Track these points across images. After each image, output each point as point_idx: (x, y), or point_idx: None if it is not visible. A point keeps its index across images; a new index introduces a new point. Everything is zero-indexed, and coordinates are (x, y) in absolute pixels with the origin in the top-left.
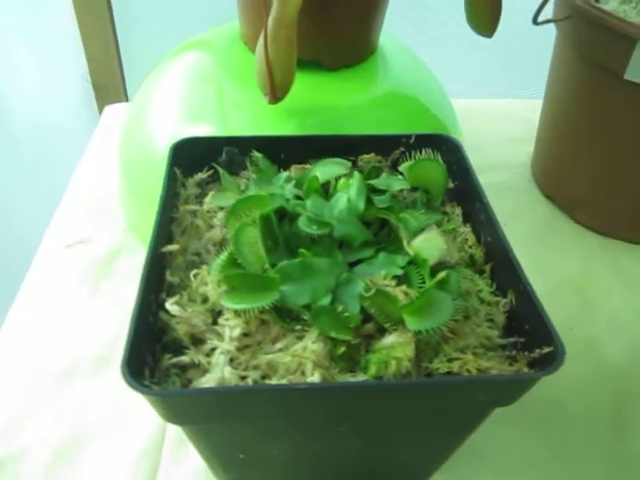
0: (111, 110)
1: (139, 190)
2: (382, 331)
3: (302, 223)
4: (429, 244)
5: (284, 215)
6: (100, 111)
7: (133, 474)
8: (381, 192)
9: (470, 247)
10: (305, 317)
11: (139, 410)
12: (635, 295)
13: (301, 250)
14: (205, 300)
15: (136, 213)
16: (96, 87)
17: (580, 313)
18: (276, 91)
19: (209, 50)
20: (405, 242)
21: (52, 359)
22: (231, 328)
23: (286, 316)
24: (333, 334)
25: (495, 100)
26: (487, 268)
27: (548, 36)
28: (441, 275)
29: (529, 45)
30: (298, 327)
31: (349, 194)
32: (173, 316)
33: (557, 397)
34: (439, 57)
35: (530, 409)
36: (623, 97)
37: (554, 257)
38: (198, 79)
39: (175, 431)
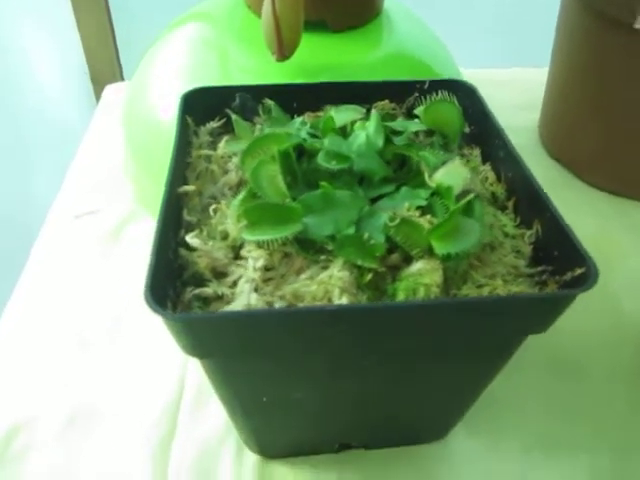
0: (111, 89)
1: (145, 161)
2: (408, 261)
3: (321, 158)
4: (452, 175)
5: (302, 153)
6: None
7: (150, 438)
8: (398, 133)
9: (491, 185)
10: (329, 248)
11: (154, 375)
12: None
13: (322, 183)
14: (225, 237)
15: (143, 184)
16: (94, 80)
17: (599, 265)
18: (284, 49)
19: (209, 19)
20: (427, 175)
21: (64, 326)
22: (254, 259)
23: (309, 248)
24: (359, 262)
25: (501, 69)
26: (510, 204)
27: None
28: (467, 198)
29: (536, 16)
30: (322, 258)
31: (367, 131)
32: (194, 250)
33: (577, 352)
34: (445, 27)
35: (550, 362)
36: (633, 47)
37: (567, 217)
38: (200, 46)
39: (192, 395)
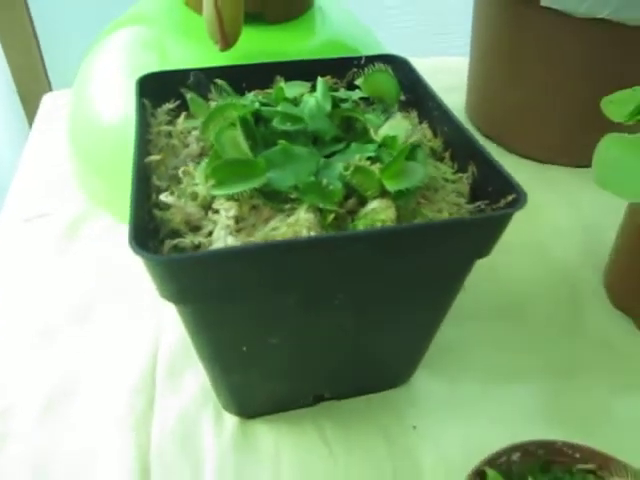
0: (50, 98)
1: (94, 162)
2: (364, 203)
3: (277, 122)
4: (395, 129)
5: (258, 119)
6: (29, 122)
7: (129, 411)
8: (343, 101)
9: (429, 140)
10: (293, 197)
11: (125, 355)
12: (573, 208)
13: (280, 141)
14: (195, 198)
15: (94, 184)
16: (23, 98)
17: (525, 224)
18: (227, 37)
19: (145, 20)
20: (372, 132)
21: (28, 320)
22: (226, 209)
23: (275, 199)
24: (321, 205)
25: (429, 58)
26: (447, 155)
27: None
28: (411, 141)
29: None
30: (287, 207)
31: (316, 97)
32: (167, 209)
33: (519, 297)
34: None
35: (497, 309)
36: (541, 24)
37: None
38: (139, 47)
39: (165, 368)
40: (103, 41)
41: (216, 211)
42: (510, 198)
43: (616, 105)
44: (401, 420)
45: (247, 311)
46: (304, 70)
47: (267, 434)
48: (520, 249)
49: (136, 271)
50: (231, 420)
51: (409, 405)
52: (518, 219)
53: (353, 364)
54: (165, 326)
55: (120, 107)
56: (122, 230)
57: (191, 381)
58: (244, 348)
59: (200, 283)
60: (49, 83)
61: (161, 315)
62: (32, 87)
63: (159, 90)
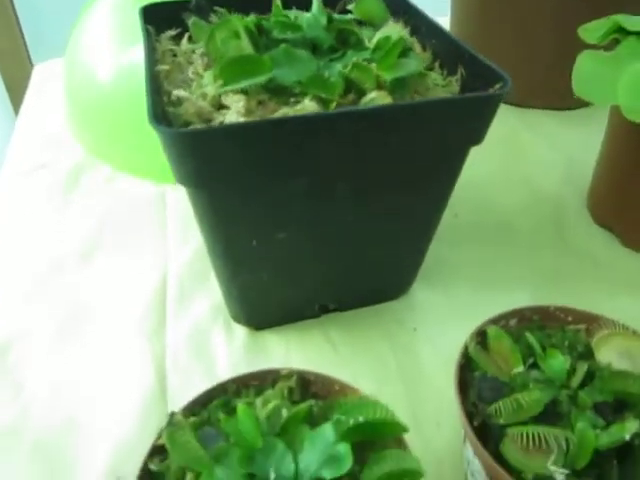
0: (41, 67)
1: (92, 117)
2: (362, 96)
3: (277, 32)
4: (388, 33)
5: (260, 32)
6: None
7: (142, 328)
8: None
9: (418, 54)
10: (297, 91)
11: (134, 282)
12: (555, 147)
13: (282, 44)
14: (205, 97)
15: (93, 137)
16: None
17: (511, 161)
18: None
19: None
20: (366, 40)
21: (35, 260)
22: (236, 102)
23: (280, 94)
24: (324, 95)
25: None
26: (436, 65)
27: None
28: (401, 35)
29: None
30: (292, 100)
31: (312, 12)
32: (180, 104)
33: (507, 216)
34: None
35: (487, 228)
36: None
37: None
38: (130, 5)
39: (175, 291)
40: (92, 5)
41: (225, 107)
42: (497, 86)
43: (591, 31)
44: (402, 324)
45: (257, 199)
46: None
47: (277, 341)
48: (507, 183)
49: (140, 215)
50: (242, 331)
51: (409, 311)
52: (504, 156)
53: (355, 267)
54: (171, 261)
55: (113, 62)
56: (121, 178)
57: (201, 302)
58: (254, 242)
59: (215, 160)
60: (31, 65)
61: (167, 252)
62: (14, 70)
63: (162, 18)
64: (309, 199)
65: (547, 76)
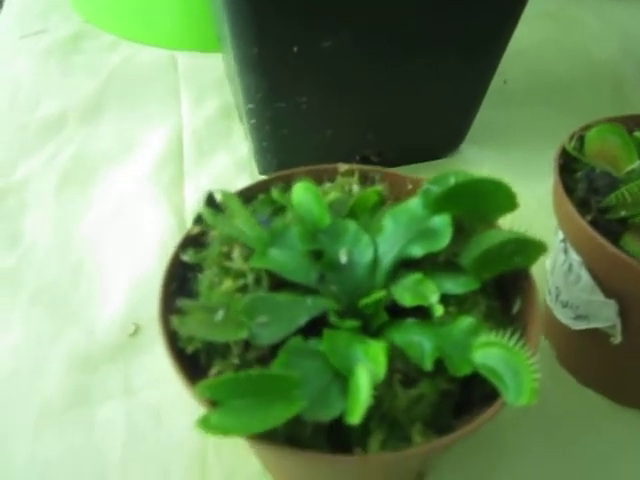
0: None
1: None
2: None
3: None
4: None
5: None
6: None
7: (156, 182)
8: None
9: None
10: None
11: (144, 138)
12: (607, 21)
13: None
14: None
15: (95, 4)
16: None
17: (562, 32)
18: None
19: None
20: None
21: (36, 115)
22: None
23: None
24: None
25: None
26: None
27: None
28: None
29: None
30: None
31: None
32: None
33: (561, 84)
34: None
35: (540, 96)
36: None
37: None
38: None
39: (192, 147)
40: None
41: None
42: None
43: None
44: None
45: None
46: None
47: None
48: (558, 52)
49: (149, 78)
50: None
51: (461, 166)
52: (555, 30)
53: (403, 109)
54: (186, 122)
55: None
56: (126, 44)
57: (222, 158)
58: (295, 48)
59: None
60: None
61: (180, 114)
62: None
63: None
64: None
65: None
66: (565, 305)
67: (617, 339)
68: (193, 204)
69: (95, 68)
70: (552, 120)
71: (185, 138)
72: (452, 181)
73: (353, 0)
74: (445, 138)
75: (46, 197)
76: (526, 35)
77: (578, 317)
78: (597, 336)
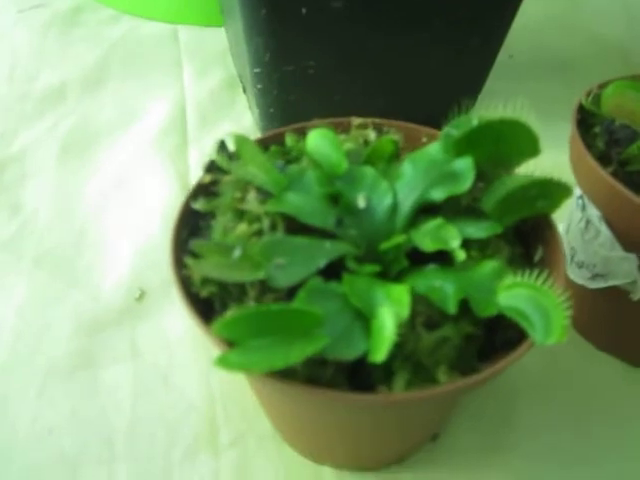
0: None
1: None
2: None
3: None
4: None
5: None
6: None
7: (159, 149)
8: None
9: None
10: None
11: (147, 112)
12: None
13: None
14: None
15: None
16: None
17: (568, 8)
18: None
19: None
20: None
21: (35, 86)
22: None
23: None
24: None
25: None
26: None
27: None
28: None
29: None
30: None
31: None
32: None
33: (567, 59)
34: None
35: (543, 69)
36: None
37: None
38: None
39: (196, 116)
40: None
41: None
42: None
43: None
44: None
45: None
46: None
47: None
48: (564, 29)
49: (150, 50)
50: None
51: None
52: (560, 6)
53: (410, 78)
54: (189, 93)
55: None
56: (127, 17)
57: (226, 127)
58: (303, 9)
59: None
60: None
61: (182, 85)
62: None
63: None
64: None
65: None
66: (581, 265)
67: (637, 295)
68: (198, 172)
69: (95, 41)
70: (559, 92)
71: (188, 108)
72: (474, 123)
73: None
74: (453, 107)
75: (47, 166)
76: (532, 12)
77: (595, 276)
78: (615, 295)
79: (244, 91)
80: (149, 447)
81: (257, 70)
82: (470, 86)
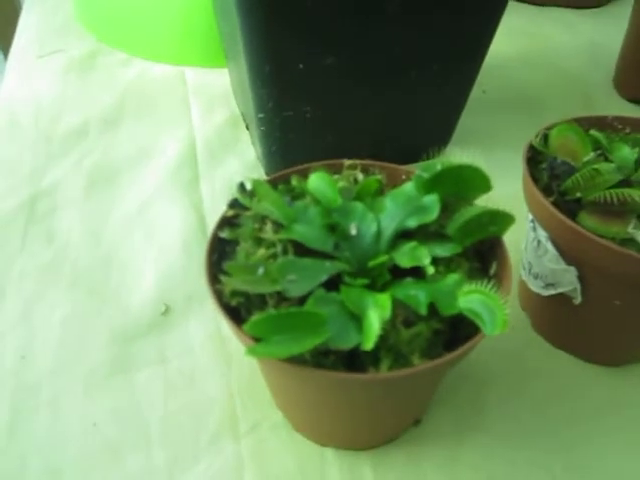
0: None
1: (105, 5)
2: None
3: None
4: None
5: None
6: None
7: (174, 183)
8: None
9: None
10: None
11: (161, 148)
12: (577, 35)
13: None
14: None
15: (107, 24)
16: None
17: (536, 46)
18: None
19: None
20: None
21: (59, 127)
22: None
23: None
24: None
25: None
26: None
27: None
28: None
29: None
30: None
31: None
32: None
33: (536, 94)
34: None
35: (516, 105)
36: None
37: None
38: None
39: (205, 151)
40: None
41: None
42: None
43: None
44: None
45: (306, 22)
46: None
47: None
48: (533, 65)
49: (161, 91)
50: None
51: None
52: (529, 45)
53: (394, 120)
54: (197, 131)
55: None
56: (137, 60)
57: (233, 162)
58: (301, 65)
59: None
60: None
61: (191, 124)
62: None
63: None
64: (359, 14)
65: None
66: (536, 277)
67: (578, 299)
68: (210, 202)
69: (111, 83)
70: (526, 125)
71: (198, 145)
72: (438, 167)
73: (349, 27)
74: (432, 142)
75: (75, 198)
76: (502, 50)
77: (547, 285)
78: (563, 301)
79: (247, 128)
80: (180, 435)
81: (261, 115)
82: (448, 122)
